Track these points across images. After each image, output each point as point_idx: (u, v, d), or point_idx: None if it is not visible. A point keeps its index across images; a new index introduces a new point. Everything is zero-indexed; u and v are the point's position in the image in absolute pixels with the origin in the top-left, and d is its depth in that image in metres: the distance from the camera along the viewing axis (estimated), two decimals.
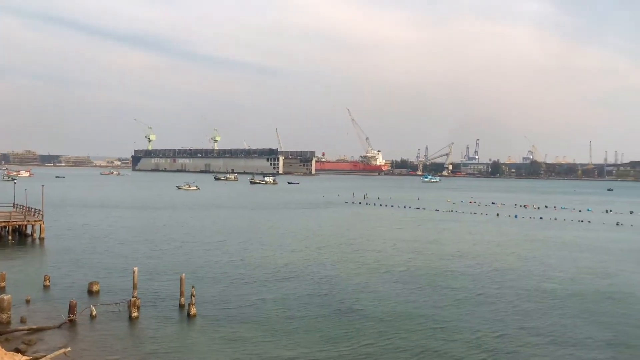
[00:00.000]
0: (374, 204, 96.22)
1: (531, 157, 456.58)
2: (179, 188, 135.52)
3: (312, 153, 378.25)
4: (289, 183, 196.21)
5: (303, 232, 54.27)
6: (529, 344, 21.56)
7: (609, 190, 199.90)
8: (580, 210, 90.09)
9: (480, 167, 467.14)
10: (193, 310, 24.62)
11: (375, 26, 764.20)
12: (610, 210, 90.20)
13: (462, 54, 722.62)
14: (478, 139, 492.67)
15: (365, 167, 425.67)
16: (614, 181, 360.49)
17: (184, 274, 26.85)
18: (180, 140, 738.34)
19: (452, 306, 26.68)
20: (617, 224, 69.24)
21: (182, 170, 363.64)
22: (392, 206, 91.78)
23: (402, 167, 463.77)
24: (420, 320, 24.23)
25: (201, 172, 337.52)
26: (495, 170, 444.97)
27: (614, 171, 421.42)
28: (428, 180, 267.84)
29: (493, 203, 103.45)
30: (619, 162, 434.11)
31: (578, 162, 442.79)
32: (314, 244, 46.42)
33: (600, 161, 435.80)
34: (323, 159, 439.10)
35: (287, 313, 25.22)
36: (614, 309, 26.90)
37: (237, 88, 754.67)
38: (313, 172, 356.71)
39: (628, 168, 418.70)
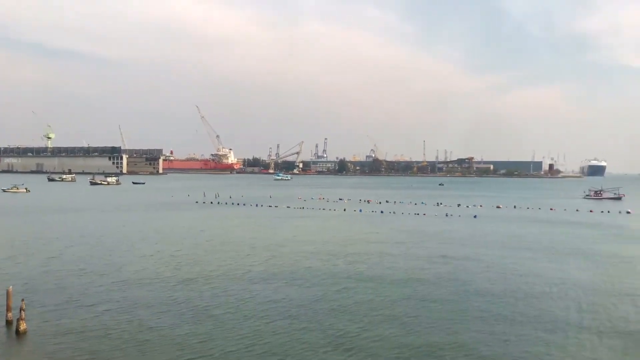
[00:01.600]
0: (226, 203, 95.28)
1: (373, 155, 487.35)
2: (4, 191, 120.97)
3: (159, 151, 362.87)
4: (133, 183, 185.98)
5: (153, 236, 51.64)
6: (388, 334, 22.87)
7: (440, 185, 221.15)
8: (415, 204, 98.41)
9: (329, 165, 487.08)
10: (23, 326, 22.13)
11: (224, 23, 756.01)
12: (441, 203, 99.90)
13: (310, 53, 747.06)
14: (326, 138, 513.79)
15: (216, 166, 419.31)
16: (444, 177, 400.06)
17: (11, 287, 24.11)
18: (6, 137, 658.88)
19: (312, 303, 27.22)
20: (447, 215, 76.97)
21: (9, 170, 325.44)
22: (244, 205, 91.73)
23: (254, 166, 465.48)
24: (281, 321, 24.39)
25: (32, 172, 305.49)
26: (342, 167, 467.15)
27: (444, 168, 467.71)
28: (280, 178, 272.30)
29: (340, 199, 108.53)
30: (448, 160, 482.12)
31: (414, 160, 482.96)
32: (167, 247, 44.37)
33: (433, 159, 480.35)
34: (171, 158, 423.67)
35: (136, 324, 23.53)
36: (451, 289, 29.75)
37: (75, 81, 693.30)
38: (160, 171, 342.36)
39: (456, 165, 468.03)
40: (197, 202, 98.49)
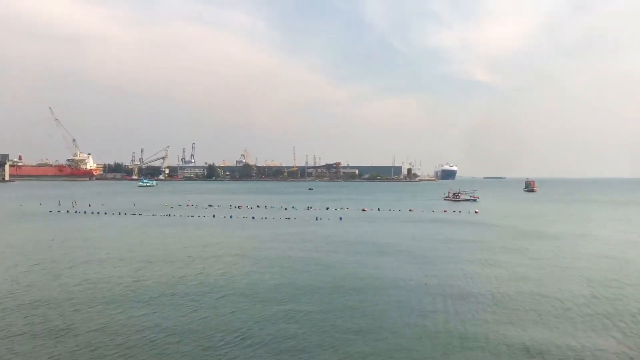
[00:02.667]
0: (85, 212, 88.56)
1: (244, 160, 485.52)
2: None
3: (6, 156, 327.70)
4: None
5: None
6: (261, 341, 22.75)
7: (310, 189, 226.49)
8: (286, 209, 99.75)
9: (197, 170, 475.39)
10: None
11: (82, 20, 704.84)
12: (311, 207, 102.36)
13: (176, 56, 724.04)
14: (194, 143, 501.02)
15: (73, 172, 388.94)
16: (313, 181, 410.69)
17: None
18: None
19: (184, 314, 26.24)
20: (317, 219, 79.07)
21: None
22: (105, 214, 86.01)
23: (116, 172, 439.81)
24: (153, 334, 23.19)
25: None
26: (211, 173, 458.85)
27: (313, 173, 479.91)
28: (144, 184, 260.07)
29: (210, 205, 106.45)
30: (317, 165, 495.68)
31: (285, 165, 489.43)
32: (17, 263, 40.02)
33: (303, 164, 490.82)
34: (20, 163, 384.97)
35: None
36: (326, 288, 30.54)
37: None
38: (7, 178, 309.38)
39: (324, 170, 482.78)
40: (51, 211, 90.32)
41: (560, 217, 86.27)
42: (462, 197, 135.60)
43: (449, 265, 39.20)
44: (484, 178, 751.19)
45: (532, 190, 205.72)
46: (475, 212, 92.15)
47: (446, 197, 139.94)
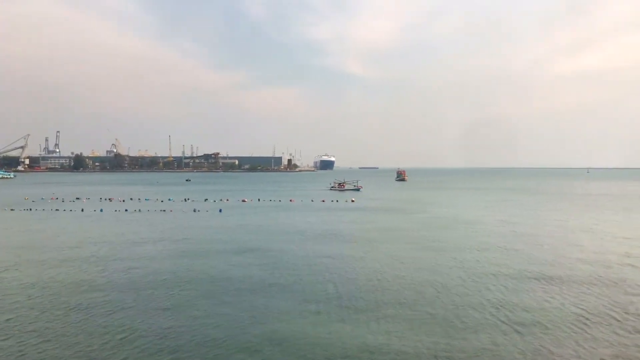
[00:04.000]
0: None
1: (115, 150, 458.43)
2: None
3: None
4: None
5: None
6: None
7: (187, 180, 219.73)
8: (162, 201, 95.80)
9: (63, 160, 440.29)
10: None
11: None
12: (188, 199, 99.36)
13: (34, 36, 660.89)
14: (58, 131, 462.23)
15: None
16: (191, 172, 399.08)
17: None
18: None
19: (65, 315, 24.01)
20: (195, 210, 76.84)
21: None
22: None
23: None
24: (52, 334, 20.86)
25: None
26: (78, 164, 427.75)
27: (191, 163, 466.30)
28: (0, 176, 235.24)
29: (78, 198, 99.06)
30: (195, 155, 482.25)
31: (160, 155, 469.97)
32: None
33: (179, 154, 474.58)
34: None
35: None
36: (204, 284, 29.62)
37: None
38: None
39: (202, 160, 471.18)
40: None
41: (429, 201, 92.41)
42: (347, 186, 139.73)
43: (320, 248, 40.22)
44: (360, 168, 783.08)
45: (403, 180, 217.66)
46: (352, 201, 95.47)
47: (332, 187, 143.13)
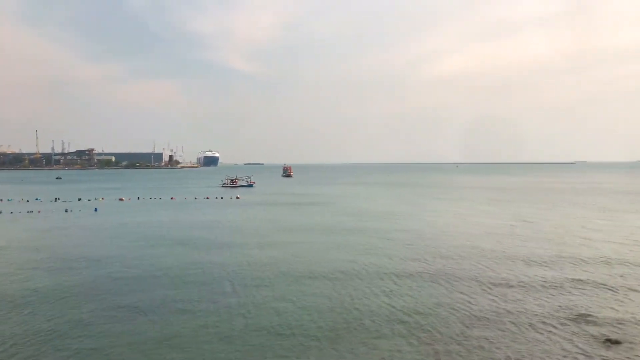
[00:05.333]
0: None
1: None
2: None
3: None
4: None
5: None
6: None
7: (57, 178, 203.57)
8: (28, 200, 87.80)
9: None
10: None
11: None
12: (59, 199, 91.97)
13: None
14: None
15: None
16: (62, 170, 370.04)
17: None
18: None
19: None
20: (67, 211, 71.27)
21: None
22: None
23: None
24: None
25: None
26: None
27: (61, 160, 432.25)
28: None
29: None
30: (66, 152, 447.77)
31: (25, 152, 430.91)
32: None
33: (49, 150, 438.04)
34: None
35: None
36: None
37: None
38: None
39: (75, 157, 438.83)
40: None
41: (314, 198, 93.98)
42: (240, 183, 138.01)
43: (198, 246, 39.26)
44: (245, 165, 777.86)
45: (289, 176, 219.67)
46: (237, 198, 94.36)
47: (224, 183, 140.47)
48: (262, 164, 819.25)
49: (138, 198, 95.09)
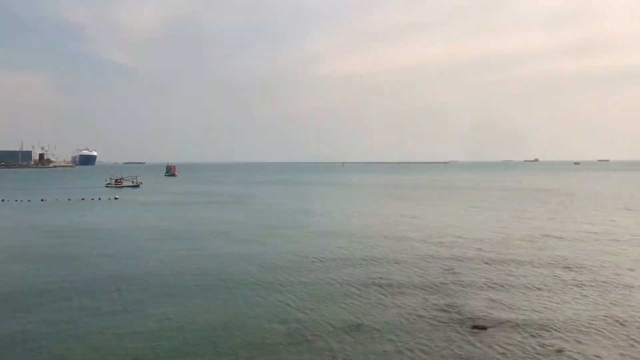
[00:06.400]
0: None
1: None
2: None
3: None
4: None
5: None
6: None
7: None
8: None
9: None
10: None
11: None
12: None
13: None
14: None
15: None
16: None
17: None
18: None
19: None
20: None
21: None
22: None
23: None
24: None
25: None
26: None
27: None
28: None
29: None
30: None
31: None
32: None
33: None
34: None
35: None
36: None
37: None
38: None
39: None
40: None
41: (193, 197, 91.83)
42: (125, 183, 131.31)
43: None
44: (125, 163, 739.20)
45: (173, 175, 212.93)
46: (115, 199, 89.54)
47: (108, 183, 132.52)
48: (144, 162, 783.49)
49: (2, 200, 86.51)
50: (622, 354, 17.40)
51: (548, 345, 18.26)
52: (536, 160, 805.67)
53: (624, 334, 19.10)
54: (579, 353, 17.54)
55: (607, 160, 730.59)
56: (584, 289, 25.64)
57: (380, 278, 28.53)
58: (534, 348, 18.05)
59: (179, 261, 33.88)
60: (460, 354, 17.64)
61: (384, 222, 54.27)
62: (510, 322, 20.70)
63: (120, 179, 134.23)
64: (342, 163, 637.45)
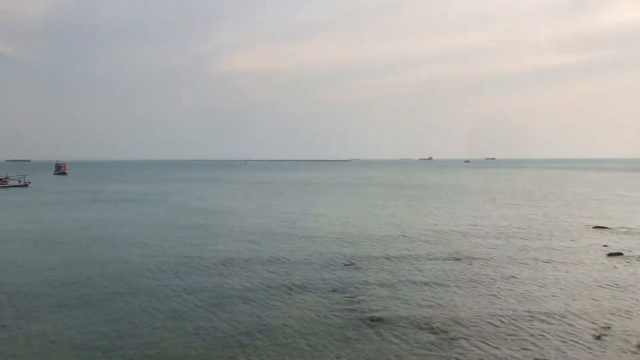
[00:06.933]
0: None
1: None
2: None
3: None
4: None
5: None
6: None
7: None
8: None
9: None
10: None
11: None
12: None
13: None
14: None
15: None
16: None
17: None
18: None
19: None
20: None
21: None
22: None
23: None
24: None
25: None
26: None
27: None
28: None
29: None
30: None
31: None
32: None
33: None
34: None
35: None
36: None
37: None
38: None
39: None
40: None
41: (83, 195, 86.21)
42: (11, 182, 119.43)
43: None
44: (7, 161, 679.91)
45: (63, 173, 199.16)
46: None
47: None
48: (29, 160, 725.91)
49: None
50: (509, 346, 18.37)
51: (441, 335, 18.91)
52: (430, 158, 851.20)
53: (515, 327, 20.17)
54: (470, 343, 18.27)
55: (494, 159, 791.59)
56: (476, 282, 26.96)
57: (277, 278, 28.19)
58: (428, 337, 18.61)
59: (65, 269, 31.15)
60: (357, 347, 17.74)
61: (274, 219, 54.12)
62: (404, 315, 21.21)
63: (6, 178, 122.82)
64: (245, 161, 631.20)
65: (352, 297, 23.70)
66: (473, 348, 17.69)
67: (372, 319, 20.53)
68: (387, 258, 32.89)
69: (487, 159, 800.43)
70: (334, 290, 24.95)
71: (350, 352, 17.43)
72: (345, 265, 30.85)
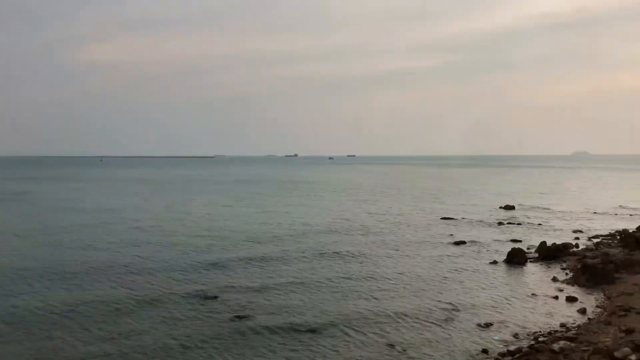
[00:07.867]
0: None
1: None
2: None
3: None
4: None
5: None
6: None
7: None
8: None
9: None
10: None
11: None
12: None
13: None
14: None
15: None
16: None
17: None
18: None
19: None
20: None
21: None
22: None
23: None
24: None
25: None
26: None
27: None
28: None
29: None
30: None
31: None
32: None
33: None
34: None
35: None
36: None
37: None
38: None
39: None
40: None
41: None
42: None
43: None
44: None
45: None
46: None
47: None
48: None
49: None
50: (369, 330, 19.49)
51: (306, 328, 19.53)
52: (296, 155, 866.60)
53: (374, 314, 21.43)
54: (332, 336, 19.05)
55: (354, 156, 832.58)
56: (343, 278, 28.07)
57: (140, 283, 26.94)
58: (295, 333, 19.11)
59: None
60: (227, 346, 17.73)
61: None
62: (270, 311, 21.58)
63: None
64: (101, 157, 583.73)
65: (218, 298, 23.33)
66: (332, 339, 18.51)
67: (239, 317, 20.54)
68: (254, 257, 32.40)
69: (348, 155, 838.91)
70: (199, 293, 24.19)
71: (221, 349, 17.41)
72: (211, 265, 30.13)
